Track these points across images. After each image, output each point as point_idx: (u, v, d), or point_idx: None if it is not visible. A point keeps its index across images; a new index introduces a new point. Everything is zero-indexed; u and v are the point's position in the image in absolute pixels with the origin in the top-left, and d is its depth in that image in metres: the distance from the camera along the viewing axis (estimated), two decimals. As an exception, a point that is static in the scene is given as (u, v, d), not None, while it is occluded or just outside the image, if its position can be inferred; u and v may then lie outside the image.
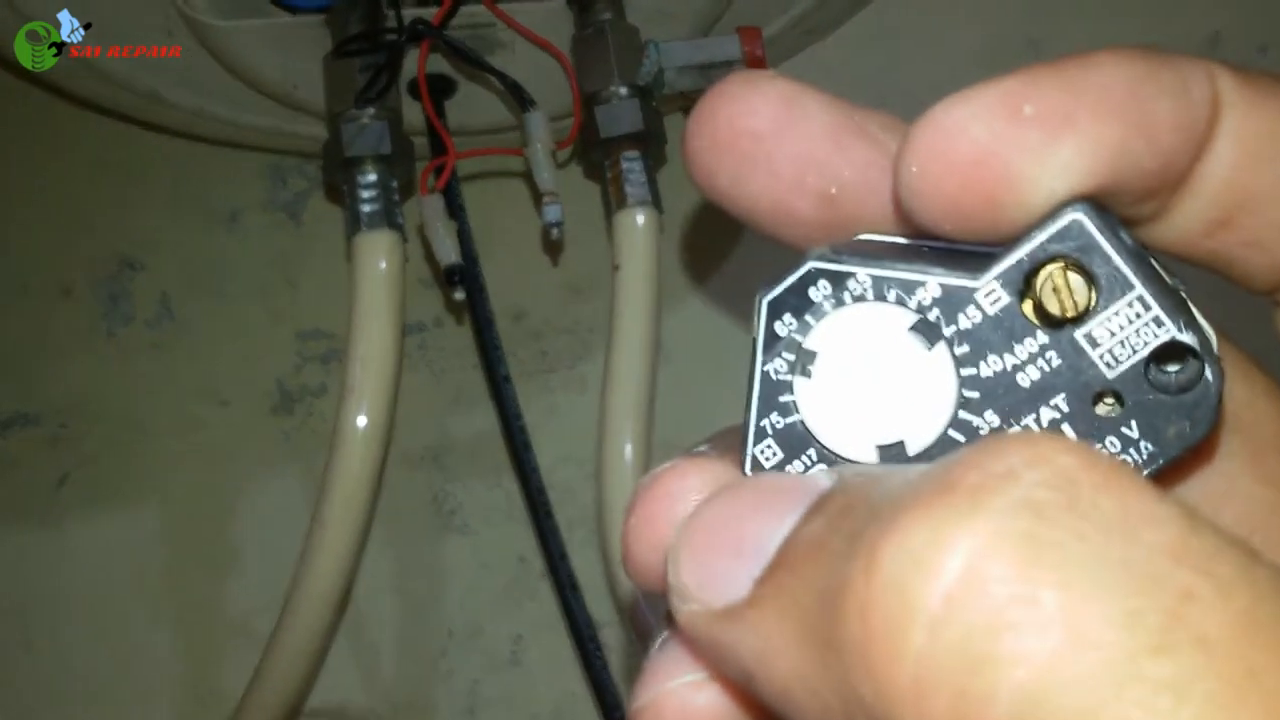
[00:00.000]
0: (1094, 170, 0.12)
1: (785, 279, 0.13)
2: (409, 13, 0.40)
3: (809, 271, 0.13)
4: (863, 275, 0.13)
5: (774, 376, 0.14)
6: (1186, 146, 0.12)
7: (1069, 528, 0.09)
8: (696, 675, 0.12)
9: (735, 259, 0.56)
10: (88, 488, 0.54)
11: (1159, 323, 0.12)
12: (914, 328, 0.13)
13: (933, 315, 0.13)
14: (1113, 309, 0.12)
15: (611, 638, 0.51)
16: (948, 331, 0.13)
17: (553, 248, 0.48)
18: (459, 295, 0.38)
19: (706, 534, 0.12)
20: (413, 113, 0.44)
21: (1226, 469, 0.13)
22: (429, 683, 0.53)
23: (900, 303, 0.13)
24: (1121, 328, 0.12)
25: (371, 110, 0.40)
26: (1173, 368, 0.12)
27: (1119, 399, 0.12)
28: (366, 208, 0.39)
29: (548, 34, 0.42)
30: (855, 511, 0.11)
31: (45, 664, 0.53)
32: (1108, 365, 0.12)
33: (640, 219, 0.40)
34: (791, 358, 0.13)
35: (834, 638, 0.10)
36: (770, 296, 0.14)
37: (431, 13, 0.40)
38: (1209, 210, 0.13)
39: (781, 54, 0.49)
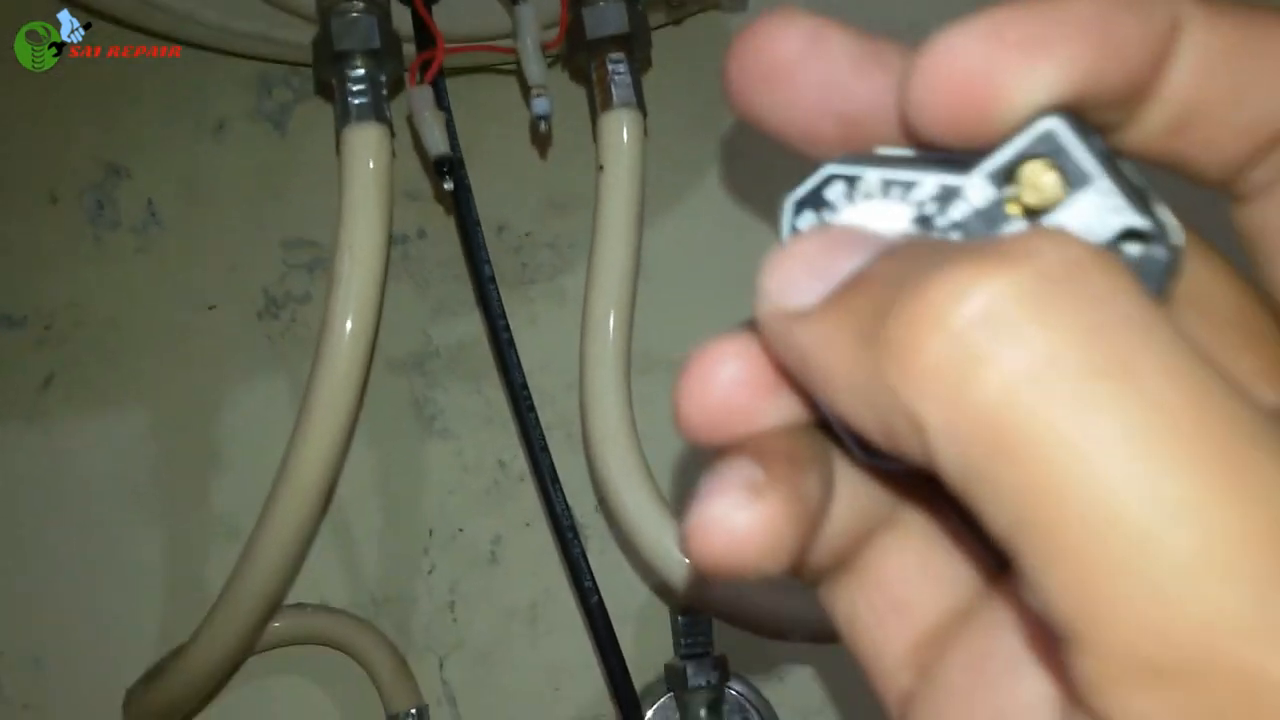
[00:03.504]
0: (1068, 85, 0.14)
1: (806, 182, 0.16)
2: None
3: (827, 176, 0.16)
4: (871, 177, 0.15)
5: (821, 229, 0.16)
6: (1149, 62, 0.14)
7: (1068, 294, 0.12)
8: (737, 498, 0.15)
9: (711, 176, 0.57)
10: (73, 388, 0.55)
11: (1119, 211, 0.14)
12: (915, 219, 0.15)
13: (929, 209, 0.15)
14: (1081, 200, 0.14)
15: (587, 529, 0.53)
16: (942, 222, 0.15)
17: (541, 141, 0.49)
18: (448, 185, 0.40)
19: (795, 258, 0.15)
20: (400, 18, 0.45)
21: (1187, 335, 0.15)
22: (410, 579, 0.54)
23: (902, 199, 0.15)
24: (1088, 215, 0.14)
25: (361, 5, 0.41)
26: (1134, 247, 0.14)
27: None
28: (356, 100, 0.40)
29: (535, -62, 0.43)
30: (912, 259, 0.14)
31: (31, 560, 0.54)
32: None
33: (625, 120, 0.41)
34: None
35: (877, 337, 0.13)
36: (795, 197, 0.16)
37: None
38: (1169, 116, 0.15)
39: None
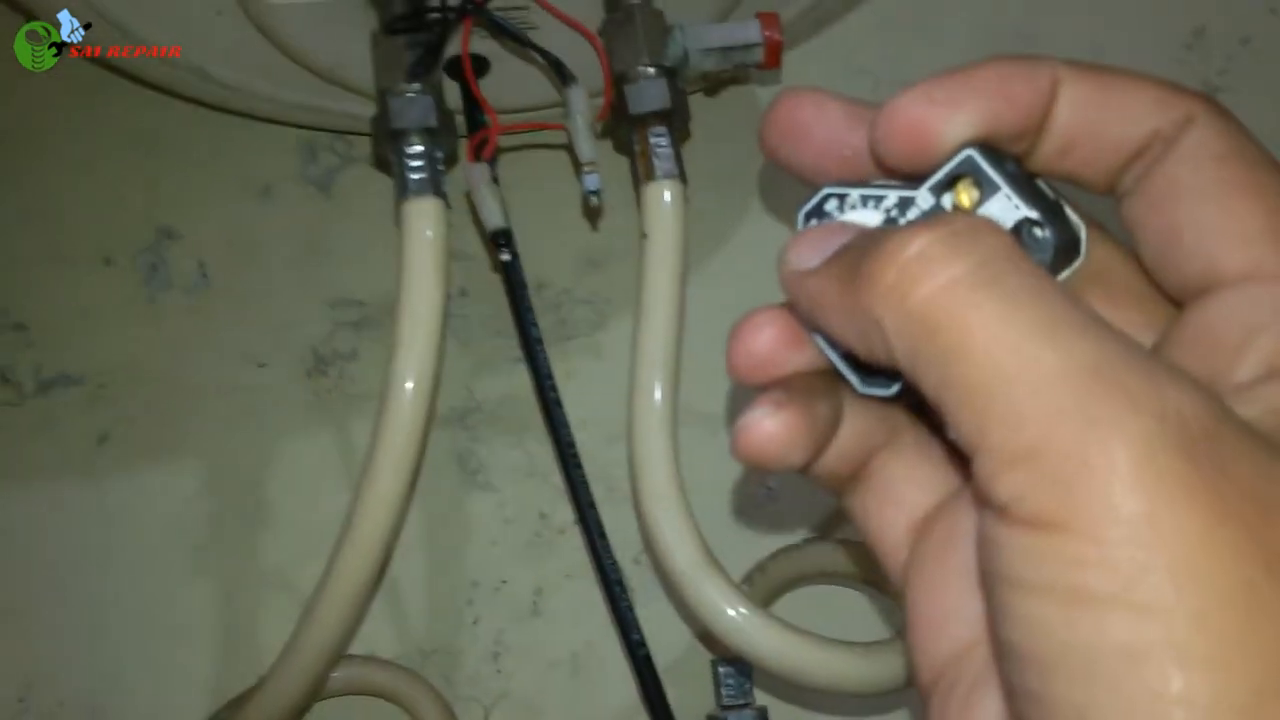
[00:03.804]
0: (978, 126, 0.20)
1: (811, 199, 0.22)
2: (451, -6, 0.43)
3: (825, 194, 0.22)
4: (854, 194, 0.22)
5: (823, 224, 0.22)
6: (1035, 108, 0.21)
7: (966, 242, 0.18)
8: (766, 409, 0.21)
9: (739, 235, 0.59)
10: (127, 446, 0.57)
11: (1017, 207, 0.20)
12: (884, 221, 0.21)
13: (894, 213, 0.21)
14: (992, 201, 0.21)
15: (634, 581, 0.54)
16: (902, 221, 0.21)
17: (592, 214, 0.51)
18: (505, 257, 0.41)
19: (805, 238, 0.21)
20: (448, 91, 0.47)
21: (1091, 302, 0.21)
22: (455, 631, 0.56)
23: (875, 208, 0.22)
24: (997, 212, 0.20)
25: (418, 85, 0.42)
26: (1036, 233, 0.20)
27: None
28: (414, 176, 0.42)
29: (578, 17, 0.45)
30: (876, 235, 0.20)
31: (89, 614, 0.55)
32: None
33: (668, 191, 0.43)
34: None
35: (854, 277, 0.19)
36: (804, 210, 0.22)
37: (476, -6, 0.43)
38: (1058, 144, 0.21)
39: (790, 42, 0.52)
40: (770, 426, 0.21)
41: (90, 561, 0.56)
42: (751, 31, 0.43)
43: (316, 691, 0.47)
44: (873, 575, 0.51)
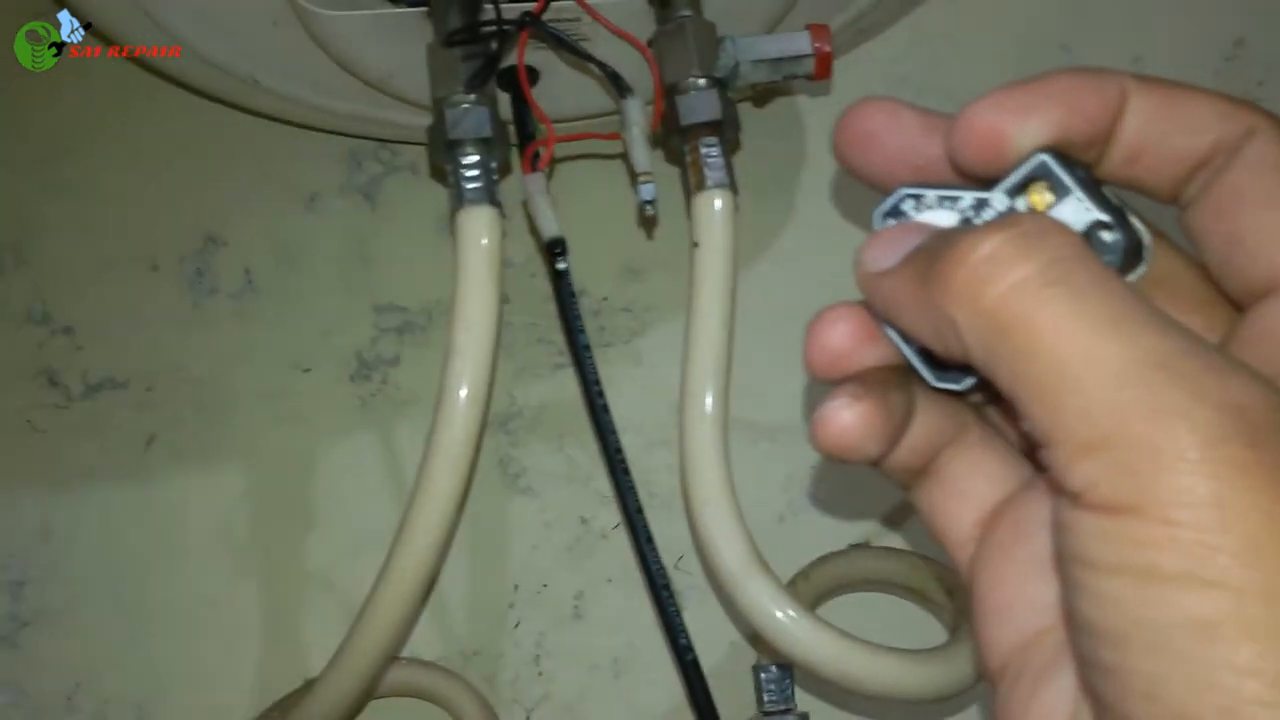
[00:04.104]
0: (1049, 133, 0.21)
1: (888, 200, 0.23)
2: (507, 6, 0.44)
3: (901, 195, 0.23)
4: (930, 195, 0.23)
5: (899, 224, 0.23)
6: (1104, 118, 0.22)
7: (1036, 242, 0.19)
8: (844, 400, 0.22)
9: (784, 242, 0.59)
10: (174, 448, 0.58)
11: (1089, 210, 0.21)
12: (959, 222, 0.22)
13: (969, 213, 0.22)
14: (1065, 205, 0.21)
15: (675, 585, 0.55)
16: (976, 221, 0.22)
17: (647, 223, 0.51)
18: (561, 265, 0.42)
19: (881, 239, 0.22)
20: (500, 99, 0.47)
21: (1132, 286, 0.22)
22: (497, 634, 0.56)
23: (951, 208, 0.22)
24: (1070, 214, 0.21)
25: (473, 96, 0.43)
26: (1106, 235, 0.21)
27: None
28: (470, 186, 0.42)
29: (629, 29, 0.46)
30: (949, 235, 0.21)
31: (136, 615, 0.56)
32: None
33: (719, 200, 0.44)
34: None
35: (929, 276, 0.20)
36: (881, 210, 0.23)
37: (530, 6, 0.44)
38: (1125, 153, 0.22)
39: (836, 52, 0.53)
40: (848, 417, 0.22)
41: (137, 562, 0.57)
42: (802, 43, 0.44)
43: (369, 693, 0.47)
44: (916, 583, 0.52)
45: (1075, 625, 0.19)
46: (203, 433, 0.58)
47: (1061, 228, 0.20)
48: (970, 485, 0.24)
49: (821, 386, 0.23)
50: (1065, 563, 0.19)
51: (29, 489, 0.57)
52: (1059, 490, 0.19)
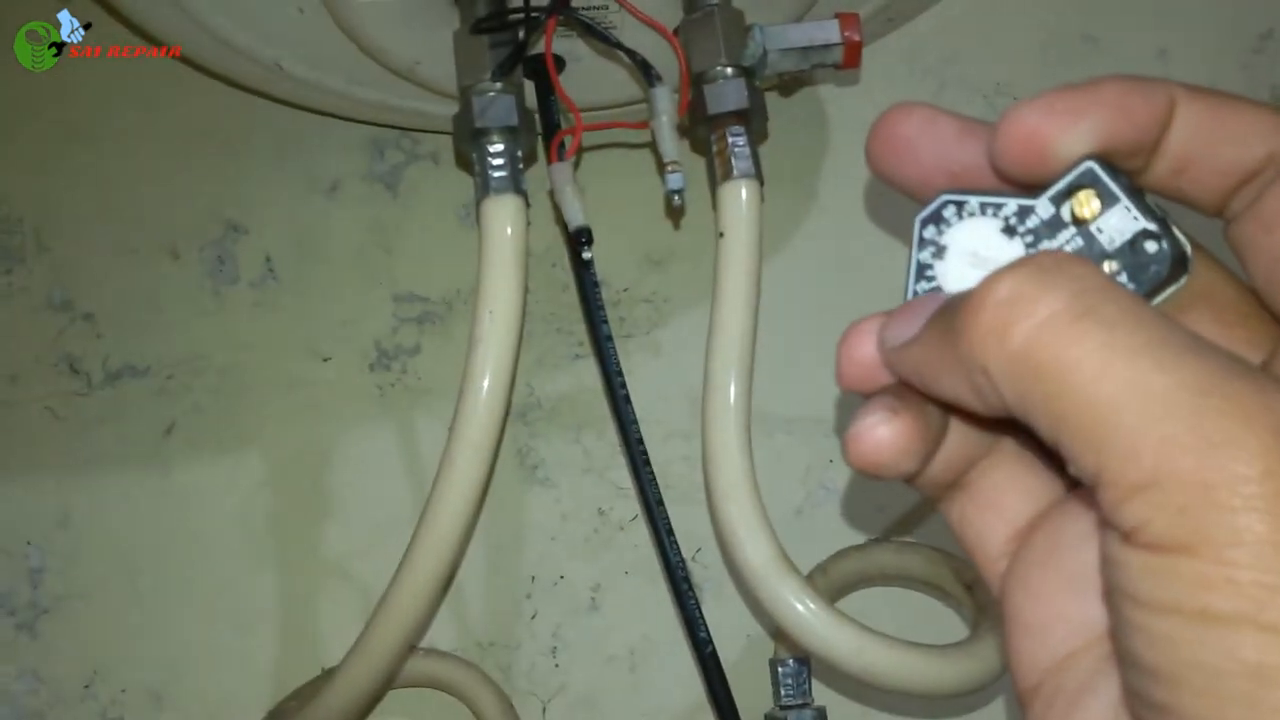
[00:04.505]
0: (1097, 139, 0.21)
1: (930, 206, 0.22)
2: (533, -5, 0.44)
3: (943, 201, 0.22)
4: (973, 201, 0.22)
5: (922, 261, 0.23)
6: (1152, 126, 0.21)
7: (1056, 277, 0.18)
8: (881, 416, 0.21)
9: (805, 234, 0.59)
10: (194, 436, 0.58)
11: (1136, 219, 0.21)
12: (1002, 229, 0.22)
13: (1013, 221, 0.22)
14: (1111, 213, 0.21)
15: (698, 577, 0.54)
16: (1020, 229, 0.22)
17: (675, 214, 0.51)
18: (587, 255, 0.42)
19: (899, 315, 0.22)
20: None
21: (1195, 321, 0.22)
22: (513, 625, 0.56)
23: (994, 215, 0.22)
24: (1116, 222, 0.21)
25: (500, 85, 0.43)
26: (1151, 245, 0.21)
27: (1119, 261, 0.21)
28: (495, 174, 0.42)
29: (657, 17, 0.45)
30: (966, 293, 0.20)
31: (153, 602, 0.56)
32: (1109, 242, 0.21)
33: (745, 190, 0.43)
34: (932, 249, 0.22)
35: (953, 330, 0.19)
36: (922, 216, 0.23)
37: (556, -5, 0.43)
38: (1171, 163, 0.21)
39: (863, 41, 0.52)
40: (885, 433, 0.21)
41: (155, 550, 0.57)
42: (830, 31, 0.44)
43: (389, 682, 0.47)
44: (935, 579, 0.51)
45: (1125, 660, 0.18)
46: (222, 421, 0.58)
47: (1078, 259, 0.19)
48: (1004, 499, 0.23)
49: (853, 397, 0.23)
50: (1115, 598, 0.18)
51: (48, 476, 0.57)
52: (1108, 525, 0.18)
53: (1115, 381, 0.17)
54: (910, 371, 0.21)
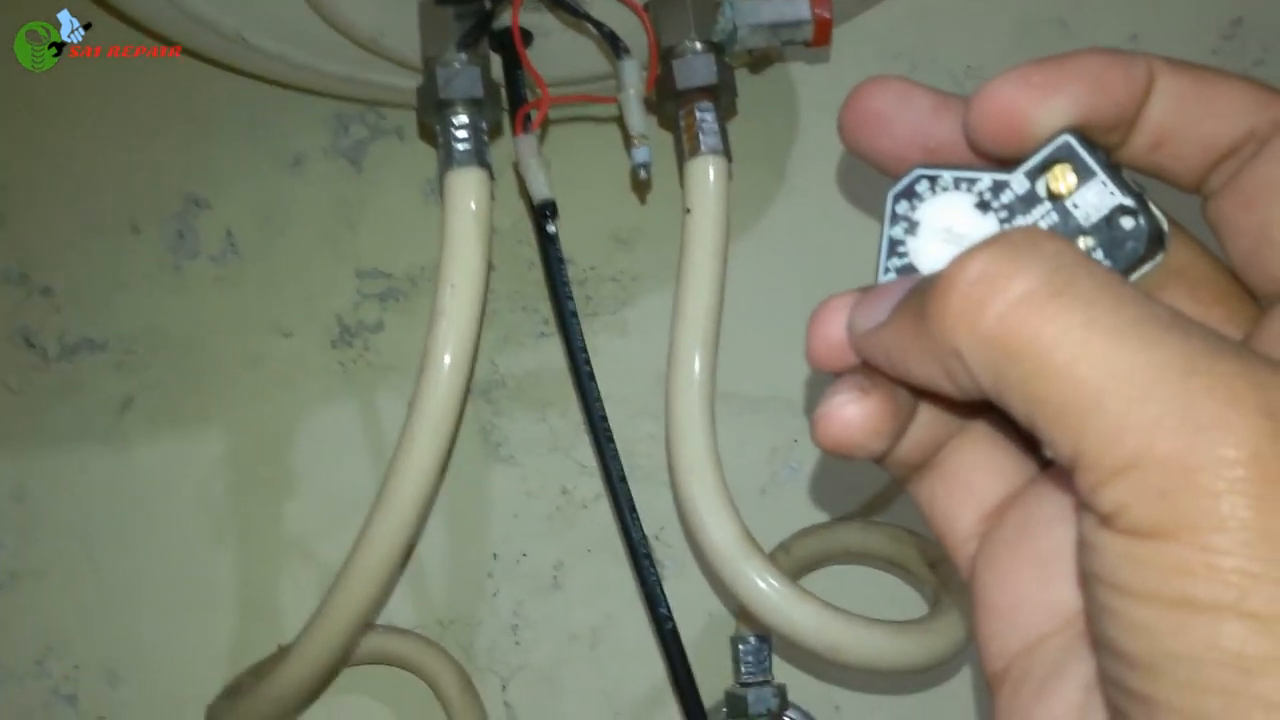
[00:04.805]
0: (1074, 113, 0.20)
1: (902, 180, 0.22)
2: (501, -34, 0.43)
3: (916, 175, 0.22)
4: (946, 176, 0.22)
5: (894, 237, 0.22)
6: (1130, 100, 0.21)
7: (1029, 253, 0.18)
8: (850, 395, 0.21)
9: (774, 214, 0.59)
10: (152, 411, 0.57)
11: (1113, 194, 0.21)
12: (976, 204, 0.21)
13: (987, 196, 0.21)
14: (1088, 188, 0.21)
15: (660, 555, 0.54)
16: (995, 205, 0.21)
17: (640, 187, 0.51)
18: (551, 229, 0.42)
19: (868, 298, 0.21)
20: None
21: (1172, 299, 0.22)
22: (474, 602, 0.56)
23: (968, 190, 0.21)
24: (1093, 198, 0.21)
25: (464, 56, 0.43)
26: (1127, 221, 0.21)
27: (1095, 238, 0.21)
28: (460, 147, 0.42)
29: (625, -8, 0.45)
30: (934, 276, 0.19)
31: (109, 579, 0.56)
32: (1085, 218, 0.21)
33: (713, 167, 0.43)
34: (905, 225, 0.22)
35: (924, 314, 0.19)
36: (894, 191, 0.22)
37: (524, -34, 0.43)
38: (1149, 138, 0.21)
39: (834, 20, 0.52)
40: (854, 413, 0.21)
41: (111, 527, 0.56)
42: (801, 9, 0.44)
43: (344, 659, 0.47)
44: (898, 557, 0.52)
45: (1101, 646, 0.18)
46: (181, 397, 0.57)
47: (1051, 235, 0.18)
48: (973, 479, 0.23)
49: (822, 376, 0.23)
50: (1091, 583, 0.18)
51: (3, 451, 0.56)
52: (1085, 509, 0.18)
53: (1095, 361, 0.17)
54: (880, 357, 0.21)
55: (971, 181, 0.21)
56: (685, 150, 0.44)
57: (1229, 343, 0.17)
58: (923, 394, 0.22)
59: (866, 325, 0.21)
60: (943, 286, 0.18)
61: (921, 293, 0.19)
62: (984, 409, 0.23)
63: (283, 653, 0.49)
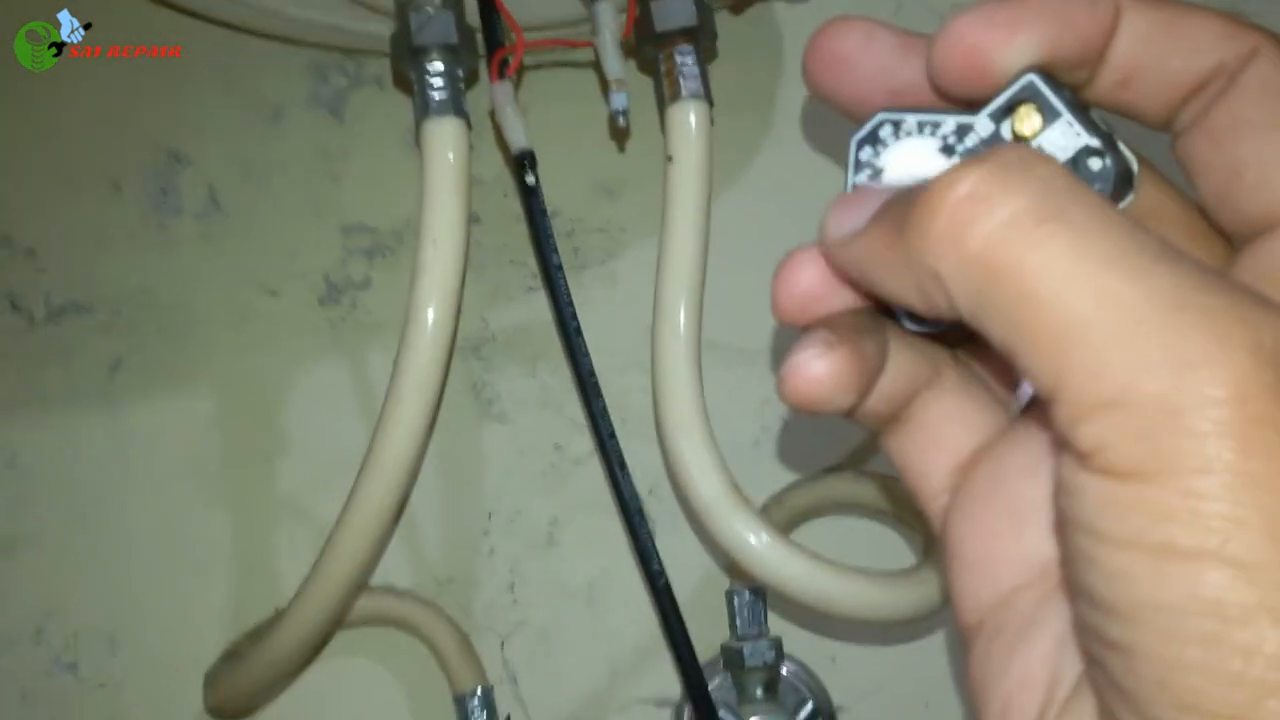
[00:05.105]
0: (1038, 51, 0.20)
1: (865, 126, 0.22)
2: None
3: (879, 120, 0.21)
4: (910, 120, 0.21)
5: (858, 185, 0.22)
6: (1096, 36, 0.20)
7: (1020, 174, 0.17)
8: (816, 350, 0.20)
9: (760, 160, 0.58)
10: (141, 373, 0.56)
11: (1079, 134, 0.20)
12: (940, 149, 0.21)
13: (951, 140, 0.21)
14: (1054, 129, 0.20)
15: (648, 512, 0.54)
16: (959, 148, 0.21)
17: (619, 135, 0.50)
18: (530, 180, 0.40)
19: (843, 203, 0.21)
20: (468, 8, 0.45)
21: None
22: (471, 561, 0.56)
23: (932, 134, 0.21)
24: (1059, 139, 0.20)
25: (438, 1, 0.41)
26: (1095, 162, 0.20)
27: None
28: (436, 95, 0.41)
29: (602, -68, 0.44)
30: (920, 187, 0.19)
31: (104, 544, 0.55)
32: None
33: (694, 111, 0.42)
34: (869, 172, 0.22)
35: (904, 229, 0.18)
36: (857, 137, 0.22)
37: (497, -93, 0.41)
38: (1116, 75, 0.20)
39: (819, -41, 0.51)
40: (820, 368, 0.20)
41: (104, 491, 0.56)
42: (781, -53, 0.42)
43: (338, 621, 0.47)
44: (889, 507, 0.51)
45: (1078, 594, 0.17)
46: (169, 357, 0.56)
47: (1044, 157, 0.18)
48: (945, 432, 0.22)
49: (791, 330, 0.22)
50: (1069, 529, 0.17)
51: (-9, 416, 0.56)
52: (1064, 447, 0.17)
53: (1082, 291, 0.16)
54: (852, 266, 0.20)
55: (935, 125, 0.21)
56: (666, 95, 0.43)
57: (1217, 276, 0.17)
58: (892, 316, 0.22)
59: (841, 232, 0.20)
60: (928, 203, 0.18)
61: (904, 205, 0.18)
62: (955, 341, 0.23)
63: (279, 616, 0.49)
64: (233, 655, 0.50)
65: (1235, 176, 0.20)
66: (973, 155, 0.20)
